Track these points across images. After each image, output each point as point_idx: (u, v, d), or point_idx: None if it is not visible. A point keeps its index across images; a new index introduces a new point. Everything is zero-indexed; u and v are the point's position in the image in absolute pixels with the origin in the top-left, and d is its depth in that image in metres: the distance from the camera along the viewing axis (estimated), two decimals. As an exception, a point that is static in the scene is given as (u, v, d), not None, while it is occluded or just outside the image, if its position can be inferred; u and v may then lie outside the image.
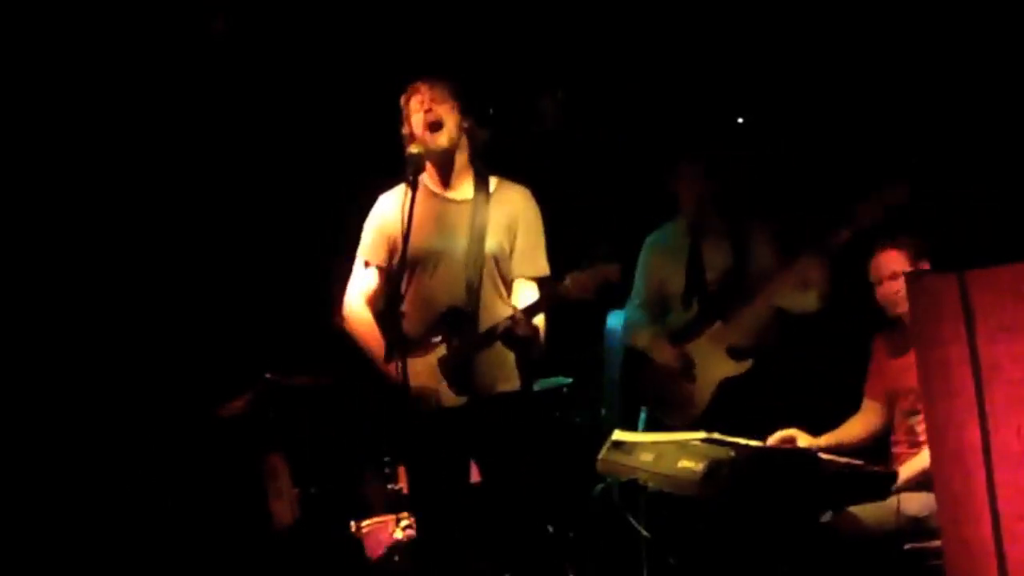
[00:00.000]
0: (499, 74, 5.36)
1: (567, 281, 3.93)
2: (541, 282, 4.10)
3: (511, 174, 4.21)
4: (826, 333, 4.80)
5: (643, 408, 4.92)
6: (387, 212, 4.15)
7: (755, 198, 5.00)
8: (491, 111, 4.43)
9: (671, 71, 5.47)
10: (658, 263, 5.02)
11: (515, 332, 3.92)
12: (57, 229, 5.62)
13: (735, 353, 4.76)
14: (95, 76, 5.54)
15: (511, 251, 4.09)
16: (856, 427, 4.26)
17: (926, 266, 4.05)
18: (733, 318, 4.76)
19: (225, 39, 5.63)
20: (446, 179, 4.13)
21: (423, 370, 3.98)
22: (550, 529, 4.67)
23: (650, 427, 4.78)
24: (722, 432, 4.04)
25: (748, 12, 5.20)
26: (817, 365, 4.87)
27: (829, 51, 5.07)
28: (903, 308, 4.01)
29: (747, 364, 4.75)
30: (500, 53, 5.46)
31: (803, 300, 4.64)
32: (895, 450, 4.15)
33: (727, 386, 4.75)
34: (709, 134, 5.33)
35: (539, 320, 4.01)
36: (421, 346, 4.01)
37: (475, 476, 4.17)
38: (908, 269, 3.99)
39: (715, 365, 4.77)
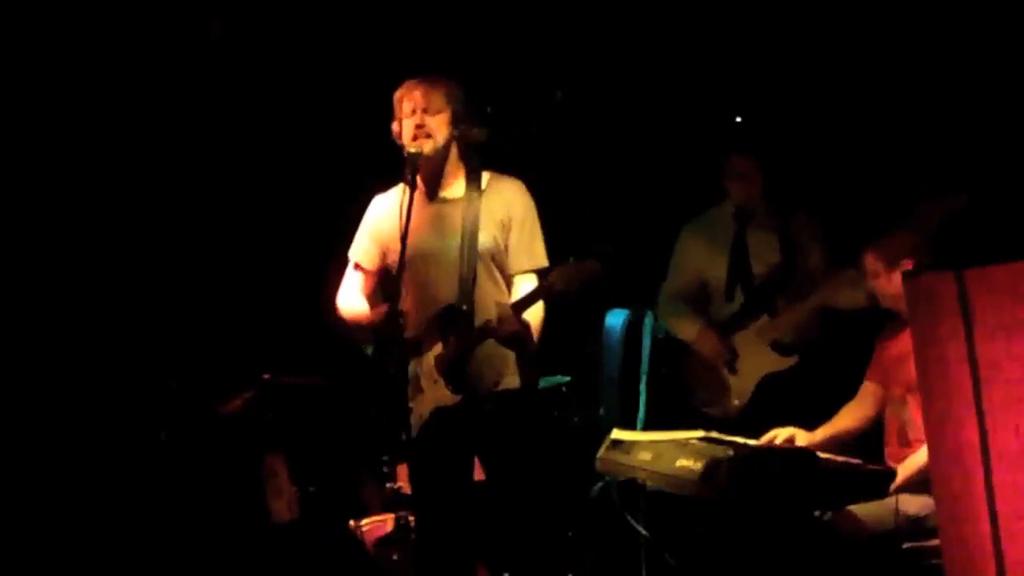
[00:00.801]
0: (499, 74, 5.35)
1: (552, 276, 3.92)
2: (540, 274, 4.08)
3: (508, 173, 4.20)
4: (870, 330, 4.76)
5: (641, 401, 4.90)
6: (380, 215, 4.17)
7: (804, 195, 4.96)
8: (490, 111, 4.42)
9: (671, 71, 5.46)
10: (698, 251, 4.97)
11: (501, 328, 3.90)
12: (57, 230, 5.62)
13: (780, 348, 4.74)
14: (94, 77, 5.55)
15: (506, 245, 4.07)
16: (849, 417, 4.24)
17: (908, 266, 4.04)
18: (781, 314, 4.74)
19: (223, 41, 5.63)
20: (437, 179, 4.12)
21: (422, 370, 4.00)
22: (551, 530, 4.66)
23: (651, 425, 4.77)
24: (763, 427, 4.04)
25: (745, 13, 5.19)
26: (859, 362, 4.83)
27: (827, 51, 5.07)
28: (888, 304, 4.11)
29: (791, 360, 4.73)
30: (499, 53, 5.45)
31: (853, 297, 4.54)
32: (887, 448, 4.14)
33: (770, 381, 4.74)
34: (714, 134, 5.31)
35: (533, 316, 3.99)
36: (420, 345, 4.02)
37: (479, 475, 4.17)
38: (882, 272, 4.05)
39: (759, 359, 4.76)
